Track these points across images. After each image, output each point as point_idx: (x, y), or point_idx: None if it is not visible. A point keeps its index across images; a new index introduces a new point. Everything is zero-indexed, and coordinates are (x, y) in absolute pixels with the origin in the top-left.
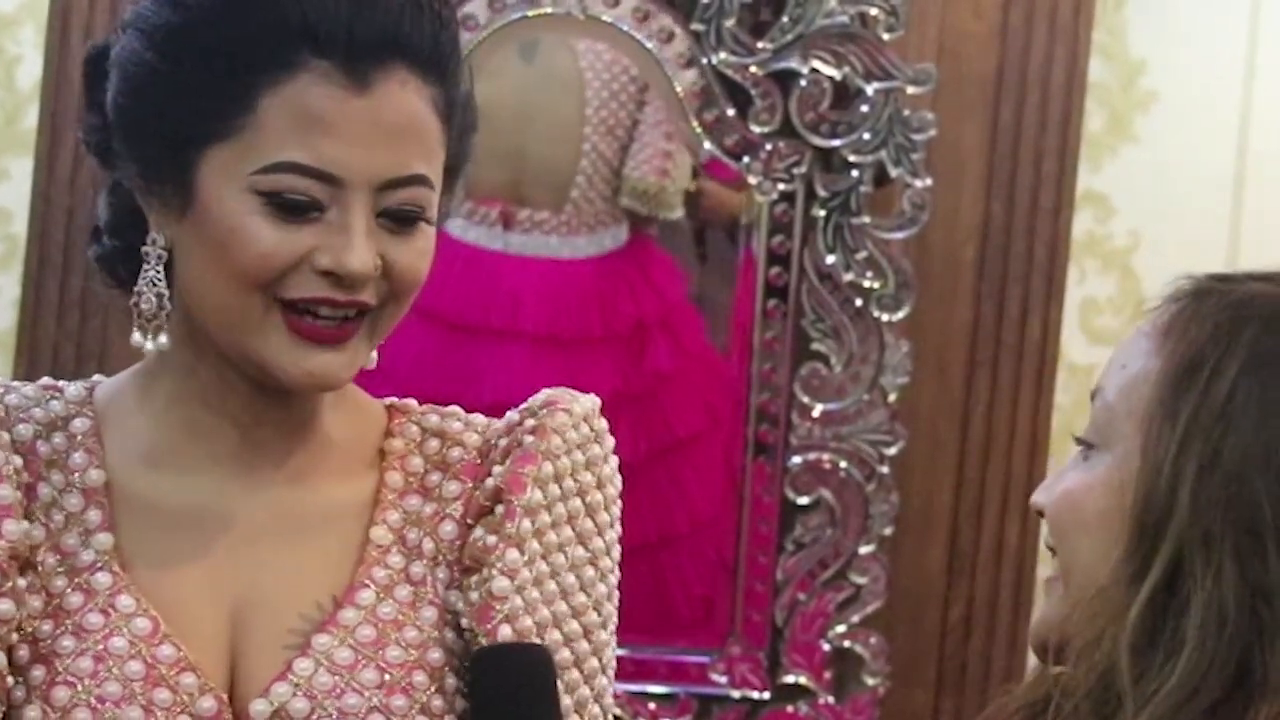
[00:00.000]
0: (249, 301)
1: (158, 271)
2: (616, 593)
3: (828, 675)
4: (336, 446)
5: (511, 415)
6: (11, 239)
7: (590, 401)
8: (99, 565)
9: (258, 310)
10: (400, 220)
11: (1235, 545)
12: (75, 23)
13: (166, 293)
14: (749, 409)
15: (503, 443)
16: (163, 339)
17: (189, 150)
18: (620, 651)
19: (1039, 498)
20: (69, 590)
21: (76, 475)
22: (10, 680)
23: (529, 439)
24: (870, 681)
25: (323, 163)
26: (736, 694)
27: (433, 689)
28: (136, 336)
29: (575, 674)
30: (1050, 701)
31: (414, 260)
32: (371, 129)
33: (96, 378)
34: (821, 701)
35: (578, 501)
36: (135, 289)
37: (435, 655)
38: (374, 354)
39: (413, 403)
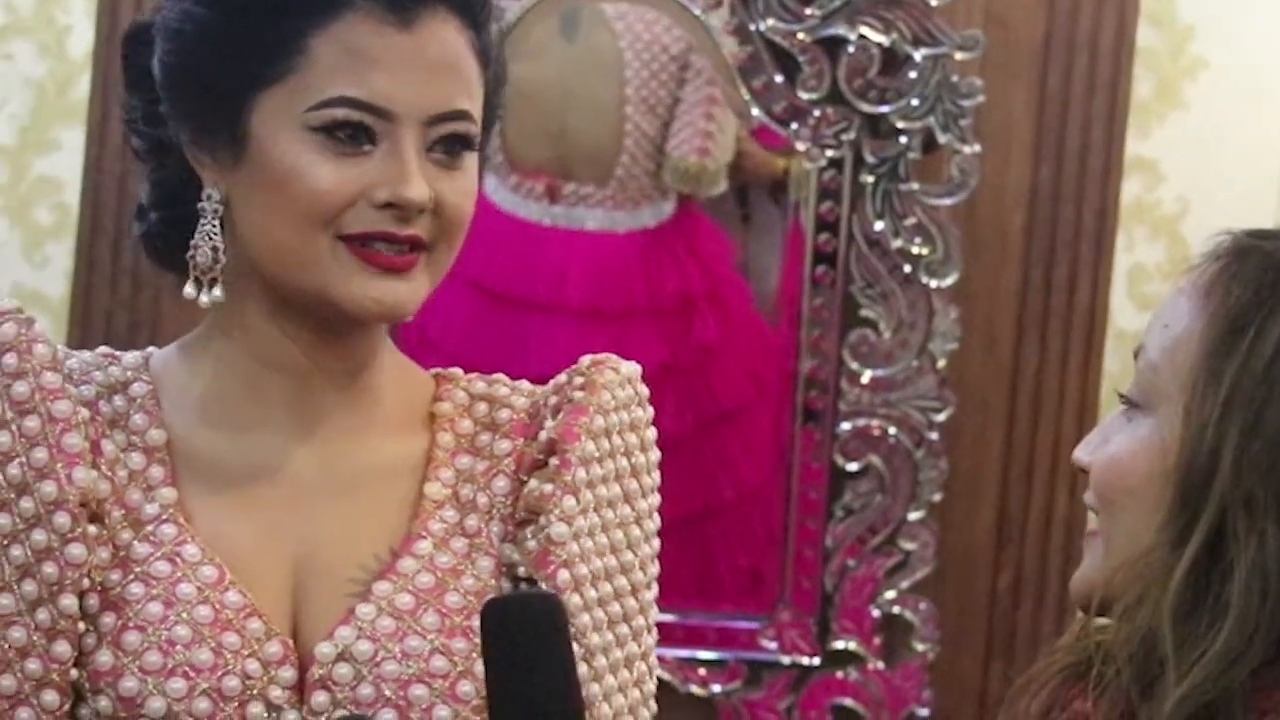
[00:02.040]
0: (313, 239)
1: (214, 225)
2: (657, 559)
3: (877, 641)
4: (388, 407)
5: (559, 378)
6: (64, 208)
7: (633, 366)
8: (164, 518)
9: (322, 247)
10: (448, 152)
11: (1279, 509)
12: None
13: (222, 245)
14: (797, 376)
15: (552, 401)
16: (217, 292)
17: (241, 97)
18: (669, 617)
19: (1081, 455)
20: (135, 541)
21: (137, 435)
22: (81, 627)
23: (579, 394)
24: (920, 647)
25: (374, 96)
26: (786, 660)
27: None
28: (190, 289)
29: (625, 628)
30: (1091, 664)
31: (461, 198)
32: (418, 64)
33: (150, 349)
34: (871, 667)
35: (624, 461)
36: (191, 243)
37: None
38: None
39: (459, 371)
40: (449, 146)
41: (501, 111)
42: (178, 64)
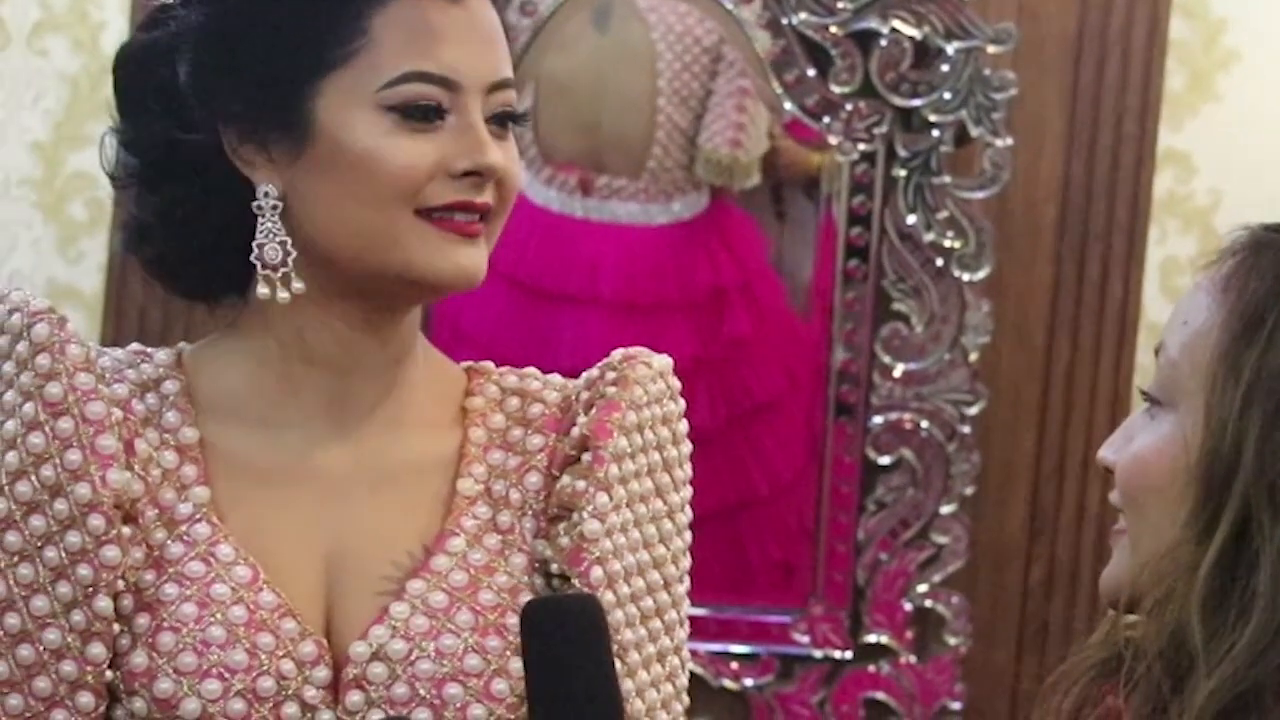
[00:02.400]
0: (394, 217)
1: (275, 222)
2: (689, 553)
3: (909, 635)
4: (421, 402)
5: (590, 372)
6: (98, 204)
7: (665, 359)
8: (197, 517)
9: (403, 223)
10: (501, 123)
11: None
12: None
13: (288, 240)
14: (830, 370)
15: (584, 396)
16: (298, 284)
17: (303, 86)
18: (702, 611)
19: (1107, 454)
20: (169, 541)
21: (170, 434)
22: (116, 628)
23: (612, 389)
24: (952, 641)
25: (442, 68)
26: (819, 653)
27: None
28: (264, 290)
29: (657, 623)
30: (1122, 660)
31: (516, 166)
32: (473, 34)
33: (181, 345)
34: (903, 661)
35: (656, 455)
36: (255, 243)
37: (526, 599)
38: None
39: (490, 365)
40: (501, 120)
41: (526, 97)
42: (220, 62)
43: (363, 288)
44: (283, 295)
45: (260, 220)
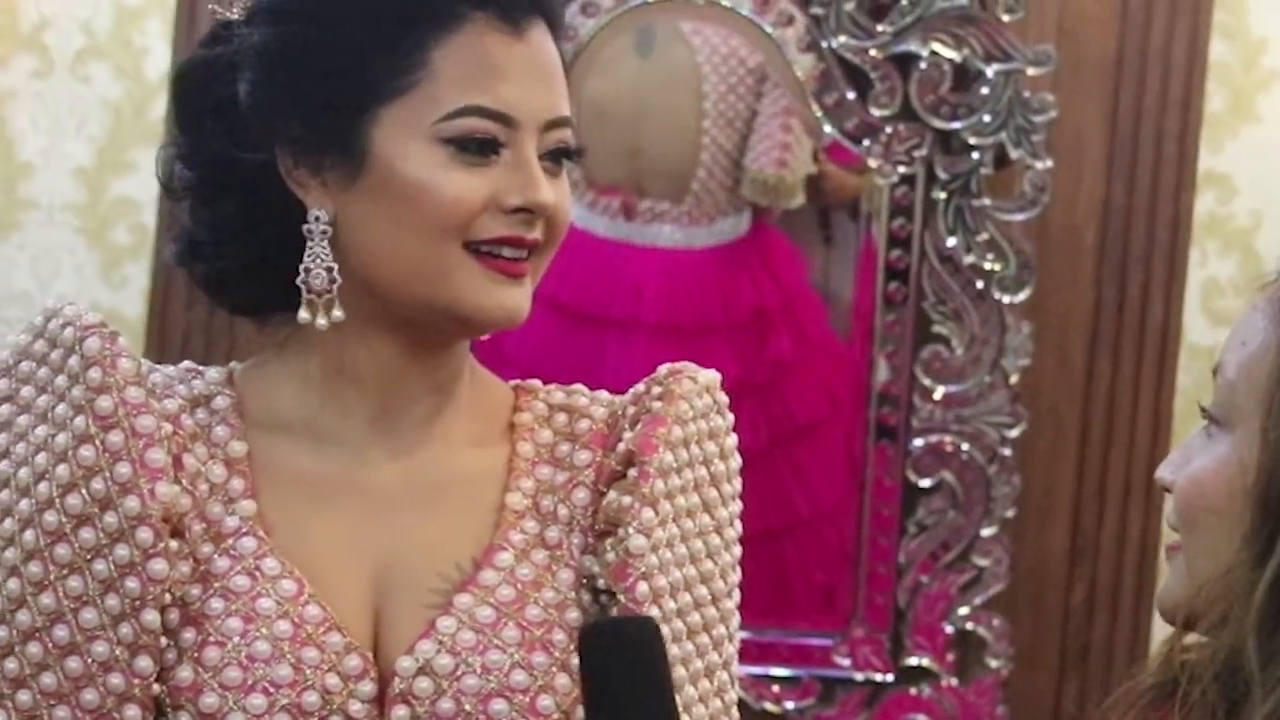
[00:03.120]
0: (443, 250)
1: (324, 247)
2: (739, 567)
3: (950, 658)
4: (469, 418)
5: (637, 387)
6: (141, 229)
7: (712, 374)
8: (244, 531)
9: (451, 257)
10: (556, 160)
11: None
12: (202, 14)
13: (335, 266)
14: (870, 392)
15: (630, 411)
16: (337, 313)
17: (361, 113)
18: (743, 634)
19: (1164, 473)
20: (215, 555)
21: (219, 448)
22: (163, 642)
23: (657, 404)
24: (993, 664)
25: (501, 104)
26: (860, 676)
27: (572, 648)
28: (305, 314)
29: (705, 638)
30: (1178, 684)
31: (567, 203)
32: (533, 71)
33: (233, 364)
34: (944, 684)
35: (703, 470)
36: (302, 266)
37: (573, 615)
38: None
39: (538, 382)
40: (555, 157)
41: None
42: (280, 84)
43: (407, 318)
44: (321, 321)
45: (309, 244)
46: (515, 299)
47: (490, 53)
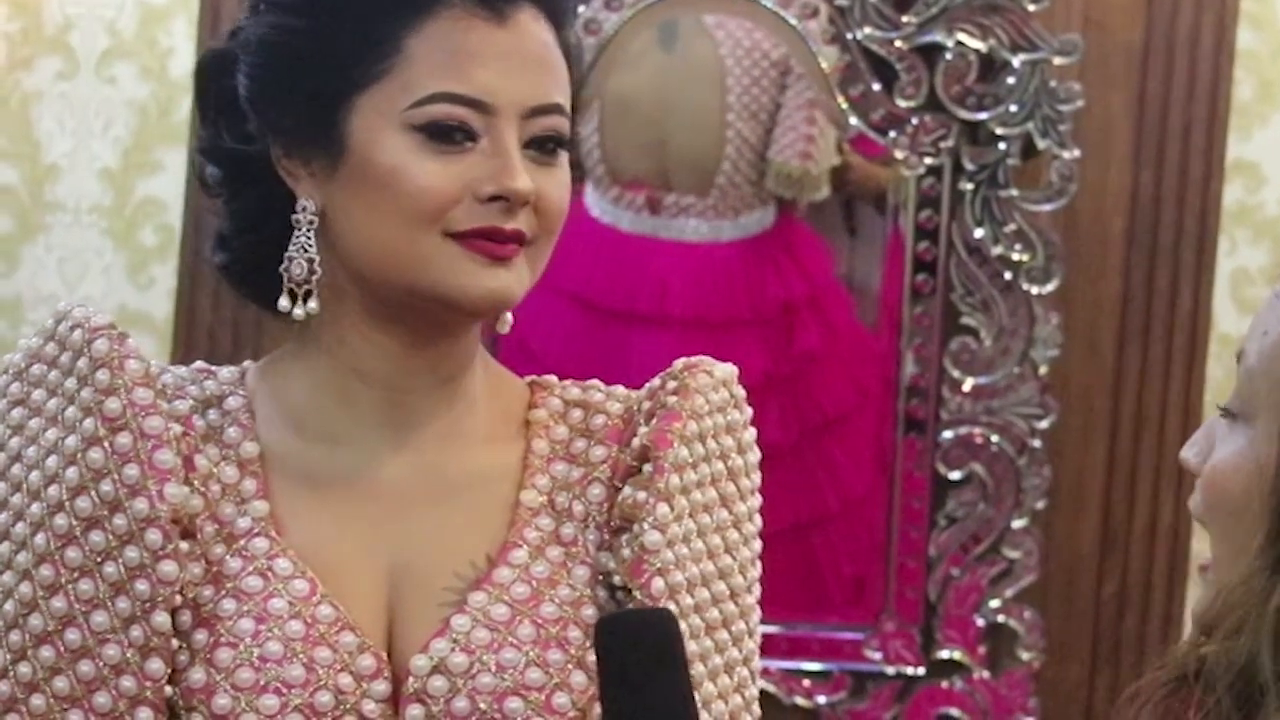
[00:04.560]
0: (420, 238)
1: (308, 238)
2: (759, 562)
3: (982, 650)
4: (482, 414)
5: (653, 382)
6: (167, 229)
7: (729, 368)
8: (255, 531)
9: (430, 245)
10: (543, 149)
11: None
12: (226, 14)
13: (317, 257)
14: (899, 385)
15: (646, 406)
16: (313, 304)
17: (339, 101)
18: (773, 629)
19: (1188, 456)
20: (228, 556)
21: (231, 449)
22: (174, 643)
23: (672, 399)
24: (1025, 656)
25: (473, 89)
26: (891, 670)
27: (587, 645)
28: (284, 302)
29: (724, 634)
30: (1198, 677)
31: (558, 191)
32: (514, 57)
33: (246, 363)
34: (976, 677)
35: (720, 464)
36: (285, 256)
37: (589, 612)
38: (509, 316)
39: (553, 378)
40: (543, 145)
41: (592, 116)
42: (270, 75)
43: (401, 306)
44: (298, 311)
45: (295, 234)
46: (501, 280)
47: (466, 39)
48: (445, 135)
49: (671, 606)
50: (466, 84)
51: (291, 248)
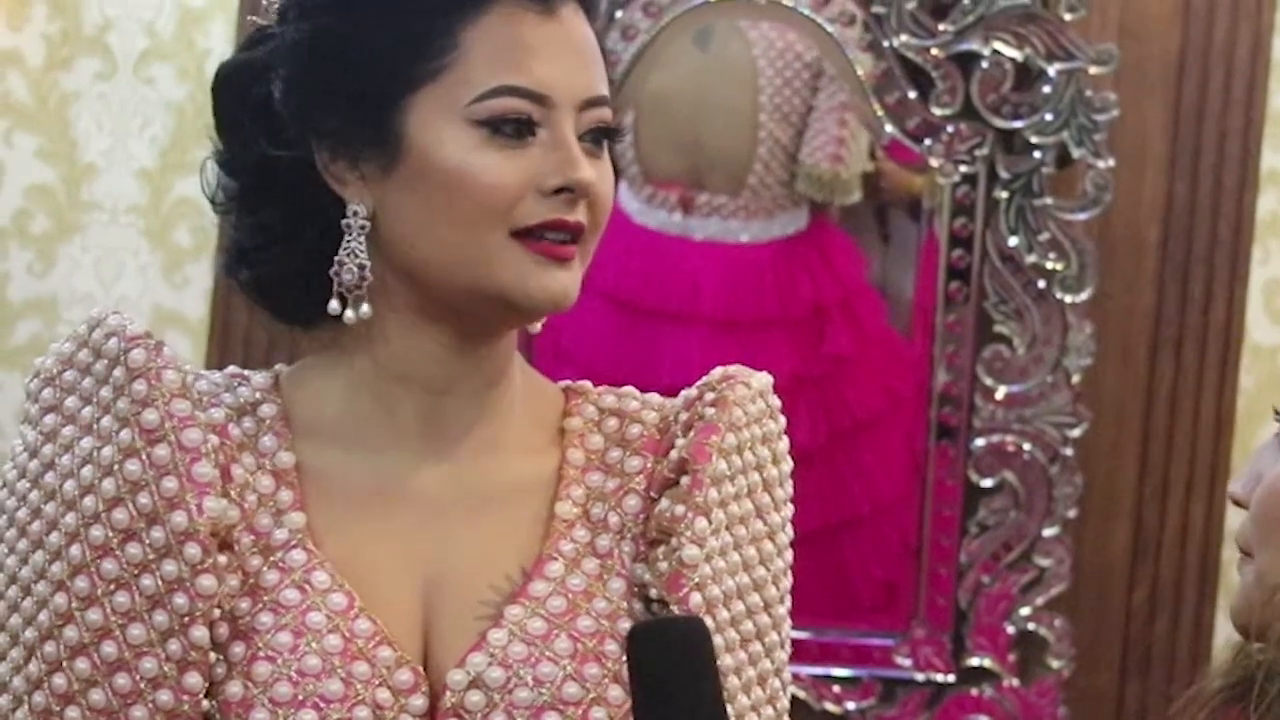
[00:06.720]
0: (485, 236)
1: (359, 242)
2: (791, 572)
3: (1012, 658)
4: (518, 423)
5: (689, 391)
6: (203, 230)
7: (765, 378)
8: (293, 544)
9: (494, 242)
10: (596, 141)
11: None
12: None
13: (369, 263)
14: (931, 392)
15: (683, 417)
16: (365, 308)
17: (394, 101)
18: (803, 635)
19: (1236, 488)
20: (265, 568)
21: (267, 458)
22: (212, 657)
23: (711, 411)
24: (1055, 664)
25: (534, 83)
26: (921, 677)
27: (623, 659)
28: (335, 305)
29: (758, 646)
30: (1254, 682)
31: (609, 185)
32: (567, 50)
33: (279, 367)
34: (1006, 684)
35: (756, 475)
36: (335, 260)
37: (624, 625)
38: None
39: (588, 384)
40: (595, 137)
41: (626, 115)
42: (313, 80)
43: (454, 308)
44: (350, 315)
45: (346, 239)
46: (562, 282)
47: (521, 32)
48: (508, 129)
49: (708, 620)
50: (527, 77)
51: (342, 252)
